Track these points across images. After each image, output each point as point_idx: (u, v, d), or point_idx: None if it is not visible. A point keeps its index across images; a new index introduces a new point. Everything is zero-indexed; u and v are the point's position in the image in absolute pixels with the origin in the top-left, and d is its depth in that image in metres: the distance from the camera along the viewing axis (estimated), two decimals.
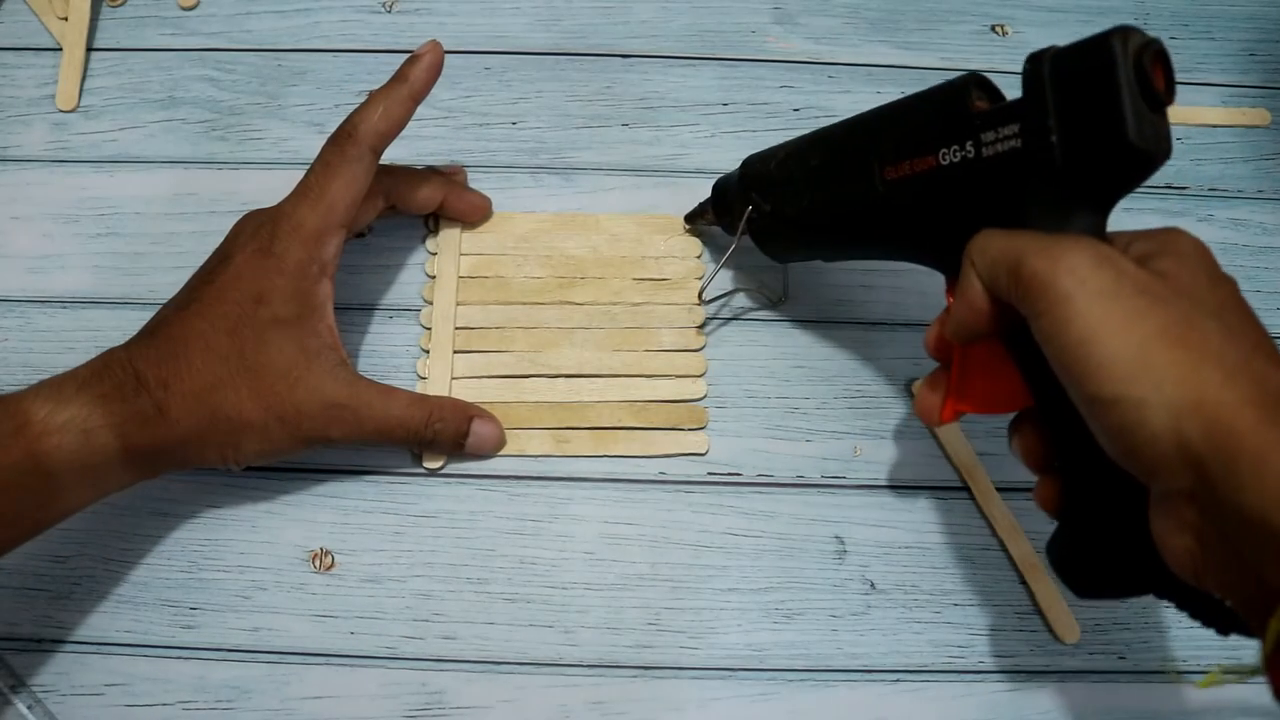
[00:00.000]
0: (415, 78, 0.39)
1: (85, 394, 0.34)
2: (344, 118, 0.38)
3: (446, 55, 0.40)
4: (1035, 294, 0.27)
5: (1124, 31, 0.28)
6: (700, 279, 0.46)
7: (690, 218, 0.46)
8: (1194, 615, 0.29)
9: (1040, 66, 0.29)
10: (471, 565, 0.40)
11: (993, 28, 0.53)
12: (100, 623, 0.39)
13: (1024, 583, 0.41)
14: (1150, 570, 0.28)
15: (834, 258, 0.42)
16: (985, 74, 0.33)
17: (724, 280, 0.46)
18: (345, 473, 0.42)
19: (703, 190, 0.47)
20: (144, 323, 0.38)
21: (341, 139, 0.39)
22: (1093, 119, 0.28)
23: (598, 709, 0.38)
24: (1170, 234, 0.30)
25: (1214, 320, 0.26)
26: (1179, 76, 0.28)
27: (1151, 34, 0.28)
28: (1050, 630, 0.40)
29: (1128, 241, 0.30)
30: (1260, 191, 0.50)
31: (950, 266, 0.33)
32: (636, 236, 0.47)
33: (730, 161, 0.49)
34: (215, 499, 0.41)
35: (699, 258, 0.46)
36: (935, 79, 0.33)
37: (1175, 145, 0.29)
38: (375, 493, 0.42)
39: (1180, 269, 0.28)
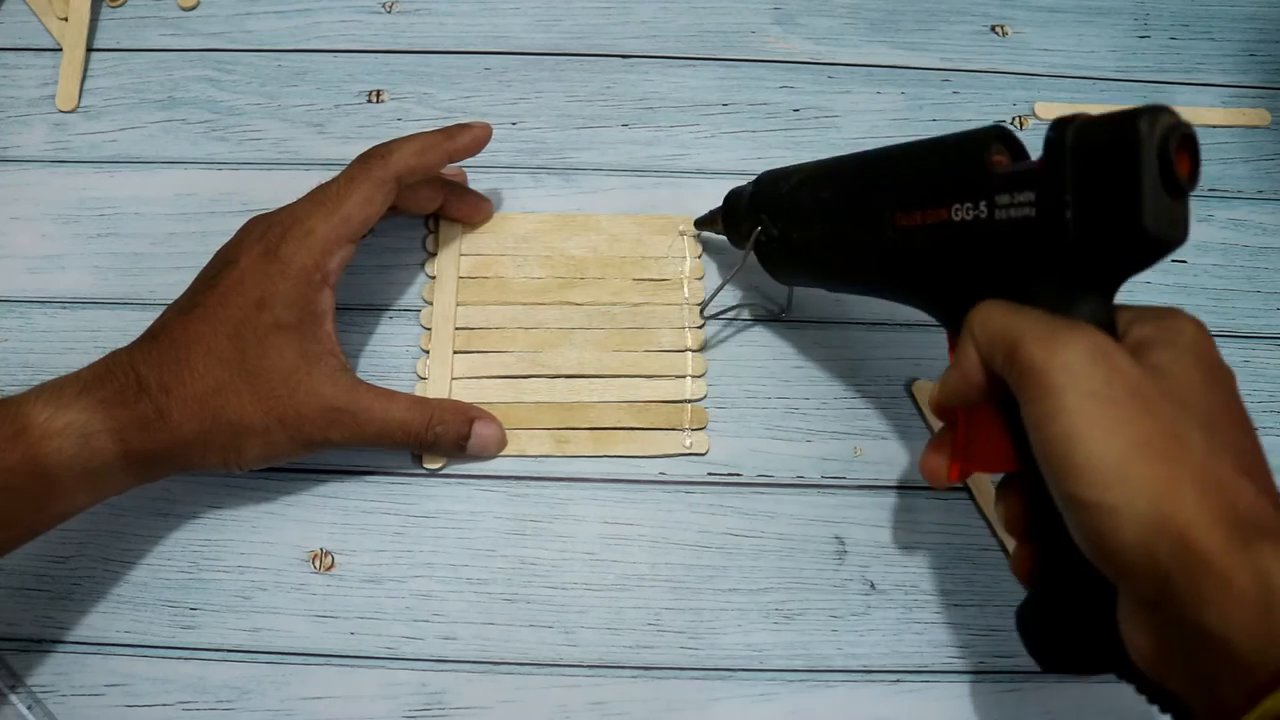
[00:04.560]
0: (460, 140, 0.42)
1: (86, 398, 0.34)
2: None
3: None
4: (1027, 381, 0.28)
5: (1153, 112, 0.27)
6: (700, 279, 0.46)
7: (700, 223, 0.45)
8: (1151, 701, 0.29)
9: (1064, 135, 0.28)
10: (471, 565, 0.40)
11: (992, 28, 0.53)
12: (100, 623, 0.39)
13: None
14: (1115, 654, 0.28)
15: (837, 289, 0.41)
16: (1005, 126, 0.33)
17: (726, 294, 0.45)
18: (345, 473, 0.42)
19: (702, 190, 0.47)
20: (144, 323, 0.38)
21: (372, 159, 0.39)
22: (1110, 200, 0.27)
23: (598, 709, 0.38)
24: (1172, 319, 0.30)
25: (1200, 430, 0.26)
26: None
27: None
28: None
29: (1129, 320, 0.30)
30: (1260, 191, 0.50)
31: (952, 322, 0.33)
32: (636, 236, 0.47)
33: (730, 162, 0.49)
34: (215, 499, 0.41)
35: (699, 258, 0.46)
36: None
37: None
38: (375, 493, 0.42)
39: (1176, 365, 0.28)
